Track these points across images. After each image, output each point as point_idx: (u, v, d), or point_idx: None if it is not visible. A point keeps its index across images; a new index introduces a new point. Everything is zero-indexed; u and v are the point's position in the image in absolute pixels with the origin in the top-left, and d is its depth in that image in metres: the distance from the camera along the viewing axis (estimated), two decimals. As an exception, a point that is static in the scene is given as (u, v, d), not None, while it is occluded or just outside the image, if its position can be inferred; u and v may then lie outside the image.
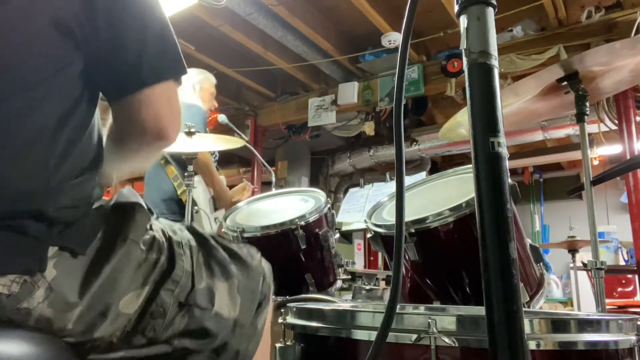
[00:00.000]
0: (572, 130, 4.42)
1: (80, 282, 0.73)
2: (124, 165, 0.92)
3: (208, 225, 2.65)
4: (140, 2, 0.78)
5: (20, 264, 0.68)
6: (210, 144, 2.36)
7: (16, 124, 0.68)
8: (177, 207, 2.66)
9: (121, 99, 0.80)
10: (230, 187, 2.86)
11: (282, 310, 0.96)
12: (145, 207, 0.86)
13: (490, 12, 0.55)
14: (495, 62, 0.54)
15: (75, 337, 0.73)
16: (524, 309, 0.73)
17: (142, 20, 0.78)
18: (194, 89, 2.90)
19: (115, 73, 0.78)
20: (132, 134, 0.84)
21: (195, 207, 2.61)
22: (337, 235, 2.07)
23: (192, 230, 0.93)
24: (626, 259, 4.77)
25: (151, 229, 0.85)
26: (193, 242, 0.89)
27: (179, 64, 0.82)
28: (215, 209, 2.78)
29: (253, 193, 2.89)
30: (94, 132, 0.81)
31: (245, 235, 1.83)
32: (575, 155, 5.29)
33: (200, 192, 2.71)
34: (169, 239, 0.86)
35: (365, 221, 1.47)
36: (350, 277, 2.00)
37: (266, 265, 1.00)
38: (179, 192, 2.65)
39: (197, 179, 2.68)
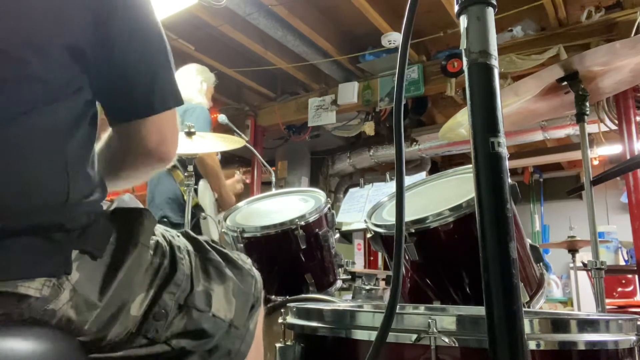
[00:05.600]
0: (572, 130, 4.42)
1: (100, 285, 0.75)
2: (118, 182, 0.93)
3: (216, 231, 2.62)
4: (148, 28, 0.81)
5: (48, 267, 0.70)
6: (211, 144, 2.35)
7: (28, 143, 0.69)
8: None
9: (128, 122, 0.82)
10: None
11: (282, 310, 0.96)
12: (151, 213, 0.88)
13: (490, 12, 0.55)
14: (495, 62, 0.54)
15: (89, 336, 0.75)
16: (524, 309, 0.73)
17: (151, 46, 0.81)
18: (202, 86, 2.88)
19: (125, 98, 0.81)
20: (135, 154, 0.87)
21: (203, 214, 2.59)
22: (337, 235, 2.07)
23: (187, 236, 0.97)
24: (626, 259, 4.77)
25: (154, 234, 0.88)
26: (190, 247, 0.93)
27: (179, 92, 0.86)
28: (219, 211, 2.76)
29: (245, 184, 2.89)
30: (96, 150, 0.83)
31: (245, 235, 1.83)
32: (575, 155, 5.29)
33: (206, 197, 2.67)
34: (170, 243, 0.89)
35: (365, 221, 1.47)
36: (350, 277, 2.00)
37: (256, 270, 1.04)
38: (186, 196, 2.63)
39: (203, 183, 2.66)
